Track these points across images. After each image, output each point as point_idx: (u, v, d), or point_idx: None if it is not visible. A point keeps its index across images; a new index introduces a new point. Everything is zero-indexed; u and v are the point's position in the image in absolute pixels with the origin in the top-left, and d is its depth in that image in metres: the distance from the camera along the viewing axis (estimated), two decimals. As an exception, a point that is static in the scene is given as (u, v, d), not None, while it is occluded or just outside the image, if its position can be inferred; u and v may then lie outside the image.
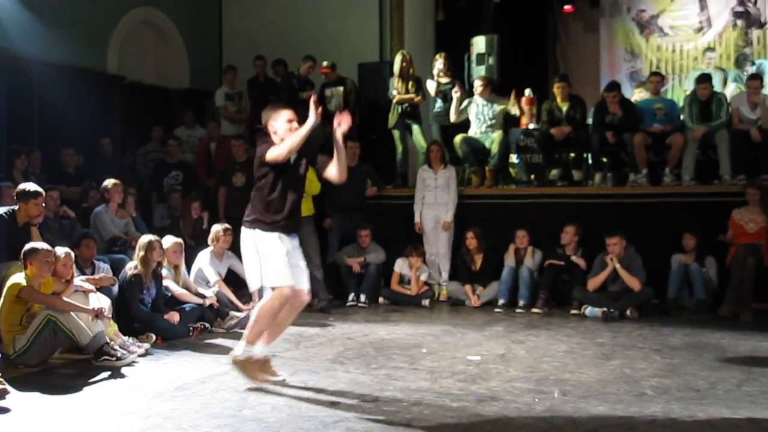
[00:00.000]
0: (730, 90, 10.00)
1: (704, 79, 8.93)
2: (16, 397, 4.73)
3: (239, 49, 12.03)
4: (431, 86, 9.74)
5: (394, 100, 9.67)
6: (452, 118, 9.49)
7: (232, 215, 7.98)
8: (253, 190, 5.10)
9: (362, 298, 8.49)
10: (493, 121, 9.32)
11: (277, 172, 4.97)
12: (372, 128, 10.41)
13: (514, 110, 9.49)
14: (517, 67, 11.08)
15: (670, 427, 4.13)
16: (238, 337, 5.38)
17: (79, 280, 6.12)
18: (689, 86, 9.85)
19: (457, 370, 5.40)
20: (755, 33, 12.88)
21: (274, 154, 4.87)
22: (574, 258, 8.12)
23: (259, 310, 4.99)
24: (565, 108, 9.16)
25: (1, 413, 4.45)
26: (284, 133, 4.98)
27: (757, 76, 8.97)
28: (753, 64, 10.68)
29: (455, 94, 9.34)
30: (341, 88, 10.34)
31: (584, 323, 7.30)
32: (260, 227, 4.97)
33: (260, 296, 7.78)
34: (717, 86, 9.38)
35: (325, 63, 10.35)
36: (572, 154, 9.44)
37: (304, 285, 5.11)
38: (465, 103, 9.45)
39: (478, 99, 9.41)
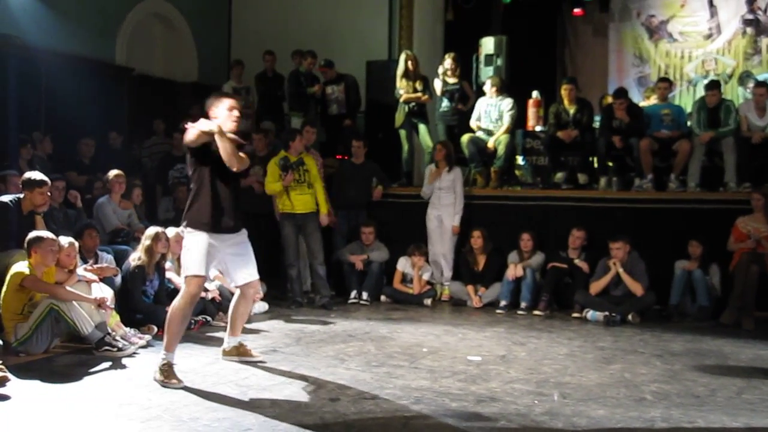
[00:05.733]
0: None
1: (713, 86, 8.91)
2: (16, 385, 4.75)
3: (248, 44, 12.07)
4: (437, 85, 9.73)
5: (401, 99, 9.66)
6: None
7: (249, 210, 7.56)
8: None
9: (364, 295, 8.49)
10: (499, 122, 9.32)
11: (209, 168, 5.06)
12: (378, 127, 10.42)
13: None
14: (525, 69, 11.07)
15: (669, 432, 4.13)
16: (239, 331, 5.47)
17: (81, 270, 6.14)
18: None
19: (457, 370, 5.40)
20: (764, 41, 12.87)
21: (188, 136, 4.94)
22: (577, 261, 8.11)
23: (172, 308, 5.01)
24: (572, 111, 9.14)
25: (2, 400, 4.47)
26: (223, 120, 5.08)
27: (762, 84, 8.94)
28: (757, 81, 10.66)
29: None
30: (343, 85, 10.38)
31: (586, 327, 7.30)
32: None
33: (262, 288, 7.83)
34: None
35: (321, 62, 10.39)
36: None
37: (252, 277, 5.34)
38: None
39: (485, 98, 9.44)
